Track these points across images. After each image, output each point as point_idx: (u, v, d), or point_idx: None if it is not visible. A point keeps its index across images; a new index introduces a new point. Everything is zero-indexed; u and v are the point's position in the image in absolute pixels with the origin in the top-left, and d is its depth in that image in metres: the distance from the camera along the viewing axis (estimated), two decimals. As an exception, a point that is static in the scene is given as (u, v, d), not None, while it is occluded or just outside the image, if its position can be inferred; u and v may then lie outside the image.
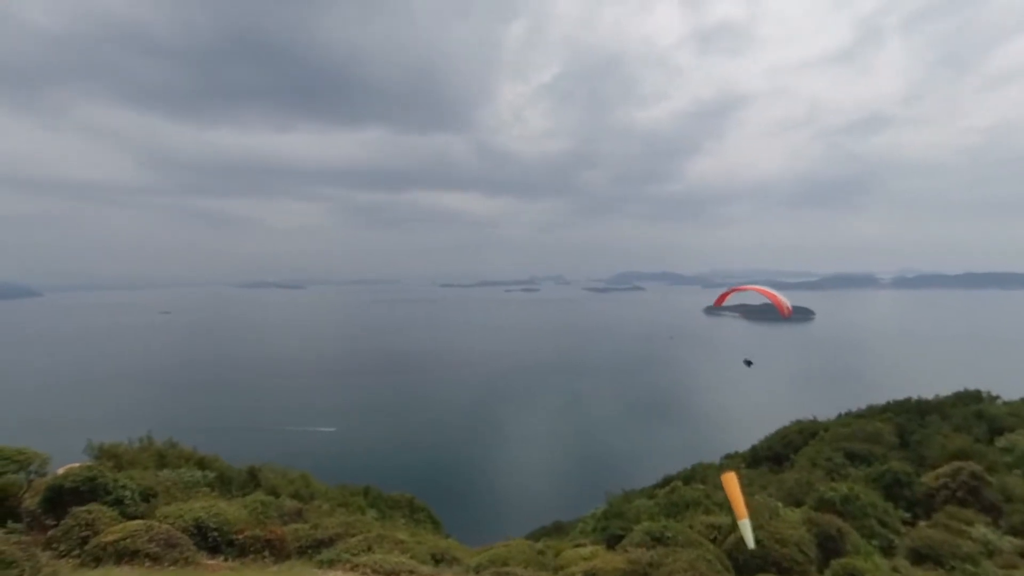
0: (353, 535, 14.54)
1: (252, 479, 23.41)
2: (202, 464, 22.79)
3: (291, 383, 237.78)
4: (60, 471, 14.61)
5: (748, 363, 36.80)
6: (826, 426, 40.27)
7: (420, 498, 31.57)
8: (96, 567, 10.58)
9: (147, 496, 15.30)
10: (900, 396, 45.06)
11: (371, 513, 25.05)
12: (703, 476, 35.24)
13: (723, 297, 27.53)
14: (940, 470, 23.33)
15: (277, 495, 20.69)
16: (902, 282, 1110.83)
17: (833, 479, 25.55)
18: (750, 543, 14.07)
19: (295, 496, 22.06)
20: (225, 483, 21.80)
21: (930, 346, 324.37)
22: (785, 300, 24.79)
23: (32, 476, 14.07)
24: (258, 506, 17.34)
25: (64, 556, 11.21)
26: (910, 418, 37.79)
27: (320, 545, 14.14)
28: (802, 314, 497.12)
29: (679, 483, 29.09)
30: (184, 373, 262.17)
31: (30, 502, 13.83)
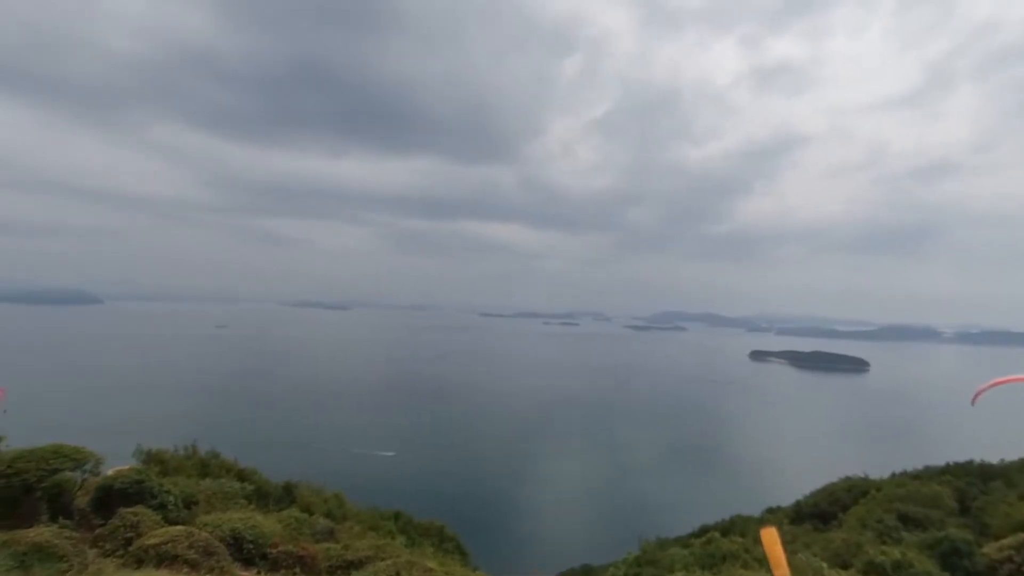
0: (383, 559, 14.51)
1: (288, 495, 23.79)
2: (241, 476, 23.34)
3: (337, 403, 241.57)
4: (110, 472, 15.26)
5: None
6: (878, 485, 38.01)
7: (450, 527, 31.29)
8: (138, 568, 10.89)
9: (189, 503, 15.82)
10: (961, 458, 42.43)
11: (401, 539, 24.92)
12: (743, 529, 33.70)
13: (981, 391, 25.27)
14: (1004, 541, 21.54)
15: (311, 512, 20.91)
16: (965, 337, 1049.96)
17: (884, 542, 24.01)
18: None
19: (328, 515, 22.23)
20: (262, 496, 22.24)
21: (995, 406, 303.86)
22: None
23: (86, 475, 14.71)
24: (292, 522, 17.59)
25: (109, 555, 11.61)
26: (971, 482, 35.30)
27: (350, 566, 14.17)
28: (855, 364, 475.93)
29: (716, 534, 27.87)
30: (239, 385, 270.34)
31: (81, 500, 14.46)
